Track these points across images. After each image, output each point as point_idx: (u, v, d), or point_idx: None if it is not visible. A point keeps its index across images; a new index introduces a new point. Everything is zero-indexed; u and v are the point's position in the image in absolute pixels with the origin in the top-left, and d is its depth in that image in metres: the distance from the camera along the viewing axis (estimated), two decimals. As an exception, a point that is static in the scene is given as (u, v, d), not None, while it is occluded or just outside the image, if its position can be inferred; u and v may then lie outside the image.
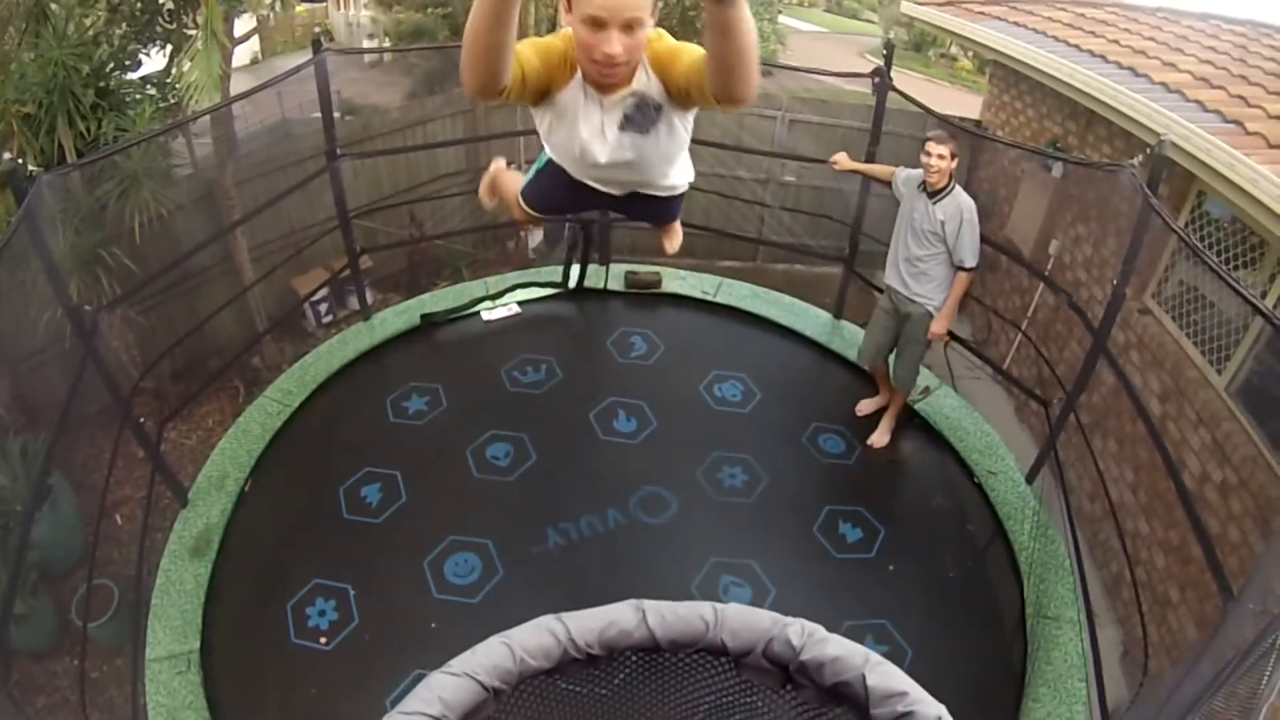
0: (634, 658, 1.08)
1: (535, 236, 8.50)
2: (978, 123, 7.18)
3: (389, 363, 4.27)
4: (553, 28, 7.60)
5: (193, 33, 5.22)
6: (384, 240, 6.80)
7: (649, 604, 1.06)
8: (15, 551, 3.29)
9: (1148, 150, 3.02)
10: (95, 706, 4.26)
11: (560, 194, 1.93)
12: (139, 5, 5.49)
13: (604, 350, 4.39)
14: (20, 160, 4.82)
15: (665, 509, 3.43)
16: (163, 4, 5.50)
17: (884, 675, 0.97)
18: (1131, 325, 4.92)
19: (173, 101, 5.45)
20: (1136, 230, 2.87)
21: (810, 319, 4.66)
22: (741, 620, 1.05)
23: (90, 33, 5.04)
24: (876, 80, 4.06)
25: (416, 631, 2.93)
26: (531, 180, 2.10)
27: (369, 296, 5.09)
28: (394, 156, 7.37)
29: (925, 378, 4.02)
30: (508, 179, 2.40)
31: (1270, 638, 1.49)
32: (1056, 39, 5.85)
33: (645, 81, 1.58)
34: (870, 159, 4.10)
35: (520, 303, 4.65)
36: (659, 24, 1.55)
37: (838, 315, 4.68)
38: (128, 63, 5.43)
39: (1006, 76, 6.80)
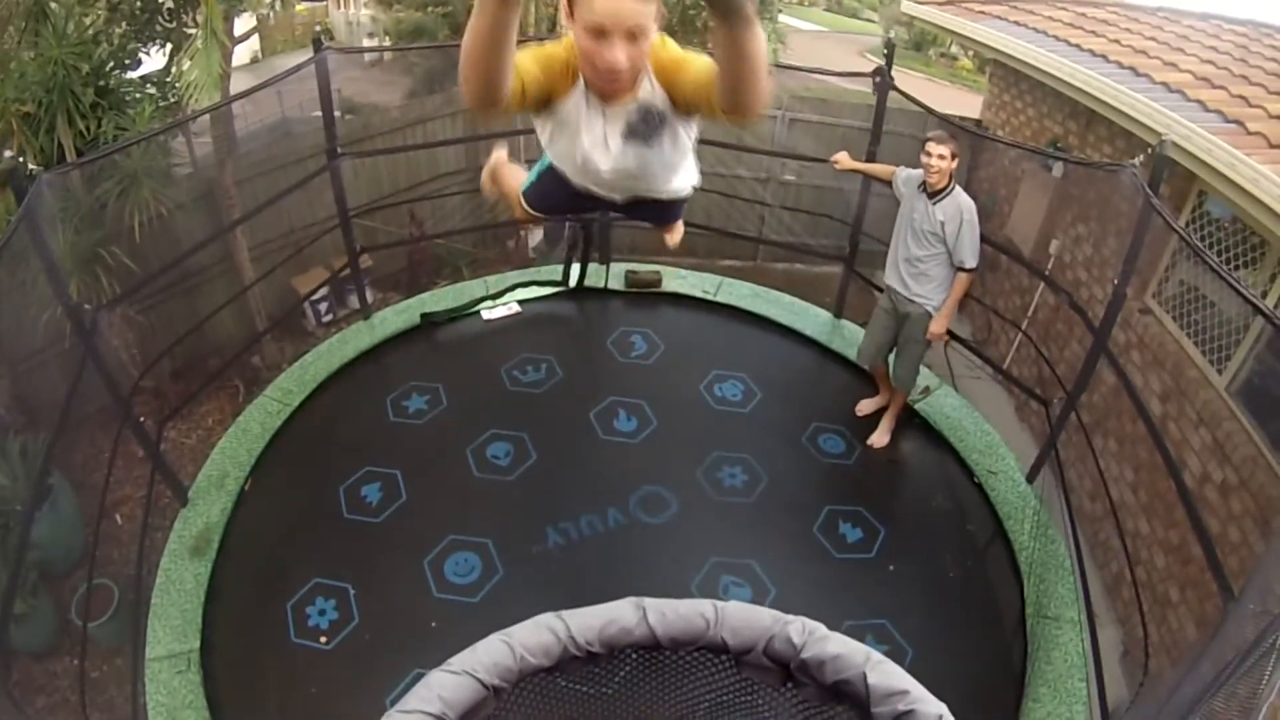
0: (634, 656, 1.08)
1: (535, 235, 8.50)
2: (978, 122, 7.18)
3: (389, 362, 4.27)
4: (553, 27, 7.60)
5: (192, 31, 5.22)
6: (384, 239, 6.80)
7: (649, 601, 1.06)
8: (15, 551, 3.29)
9: (1149, 150, 3.01)
10: (95, 706, 4.26)
11: (562, 196, 1.91)
12: (139, 4, 5.48)
13: (604, 349, 4.38)
14: (20, 159, 4.82)
15: (665, 508, 3.43)
16: (162, 3, 5.50)
17: (885, 673, 0.97)
18: (1132, 325, 4.92)
19: (172, 100, 5.45)
20: (1138, 230, 2.87)
21: (810, 318, 4.66)
22: (742, 618, 1.05)
23: (90, 31, 5.04)
24: (877, 80, 4.05)
25: (416, 631, 2.92)
26: (533, 182, 2.09)
27: (369, 295, 5.09)
28: (394, 155, 7.37)
29: (925, 377, 4.02)
30: (509, 173, 2.39)
31: (1270, 638, 1.49)
32: (1057, 38, 5.85)
33: (649, 90, 1.55)
34: (871, 158, 4.10)
35: (520, 302, 4.64)
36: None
37: (838, 314, 4.68)
38: (127, 61, 5.43)
39: (1007, 76, 6.79)
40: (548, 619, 1.04)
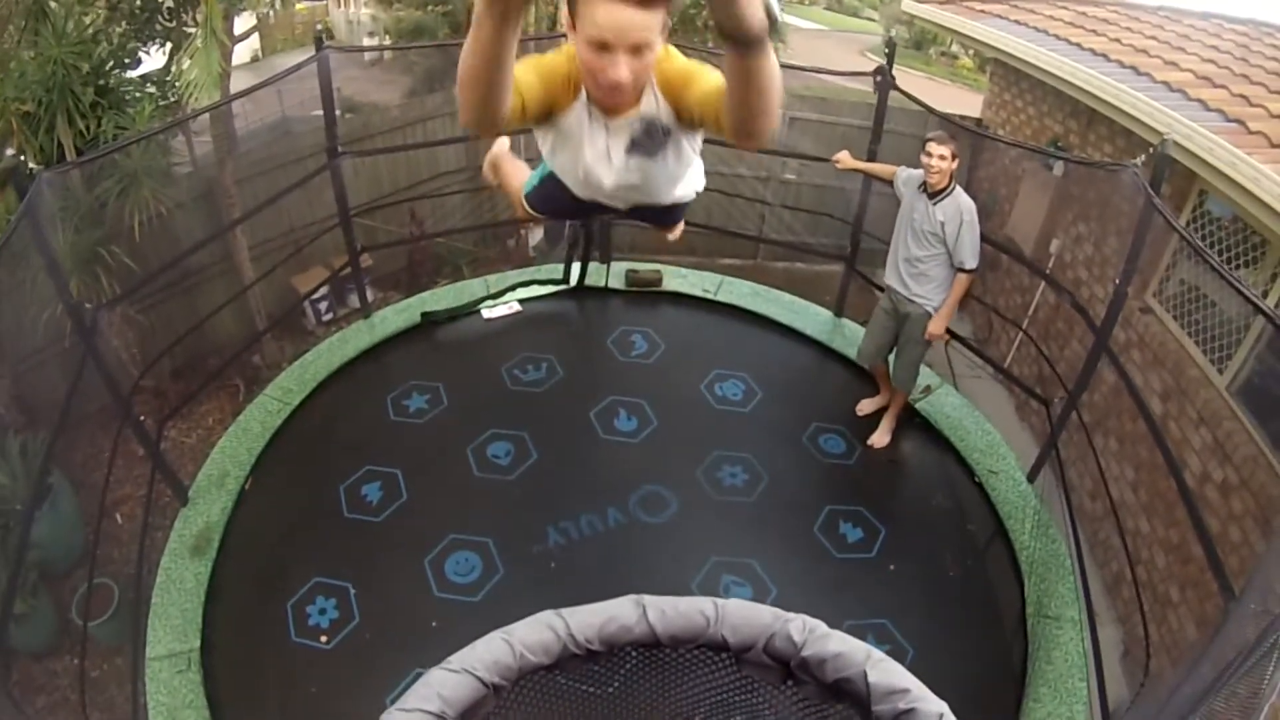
0: (634, 653, 1.07)
1: (536, 234, 8.50)
2: (979, 121, 7.17)
3: (389, 361, 4.26)
4: (553, 26, 7.58)
5: (192, 30, 5.22)
6: (384, 238, 6.78)
7: (649, 599, 1.05)
8: (15, 551, 3.29)
9: (1150, 150, 3.01)
10: (95, 705, 4.26)
11: (565, 201, 1.88)
12: (138, 3, 5.48)
13: (605, 349, 4.38)
14: (21, 158, 4.82)
15: (666, 508, 3.43)
16: (162, 2, 5.50)
17: (886, 672, 0.97)
18: (1133, 324, 4.92)
19: (172, 99, 5.44)
20: (1139, 229, 2.87)
21: (811, 317, 4.66)
22: (742, 616, 1.04)
23: (90, 31, 5.04)
24: (879, 79, 4.05)
25: (417, 630, 2.92)
26: (536, 186, 2.08)
27: (369, 294, 5.09)
28: (394, 154, 7.36)
29: (926, 376, 4.01)
30: (511, 166, 2.38)
31: (1271, 638, 1.49)
32: (1058, 37, 5.84)
33: (653, 104, 1.49)
34: (872, 157, 4.10)
35: (521, 301, 4.64)
36: None
37: (839, 313, 4.68)
38: (127, 61, 5.43)
39: (1007, 75, 6.79)
40: (547, 617, 1.04)
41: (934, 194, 3.41)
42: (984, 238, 3.49)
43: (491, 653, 0.99)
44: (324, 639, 2.92)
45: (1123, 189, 4.35)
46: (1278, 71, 4.83)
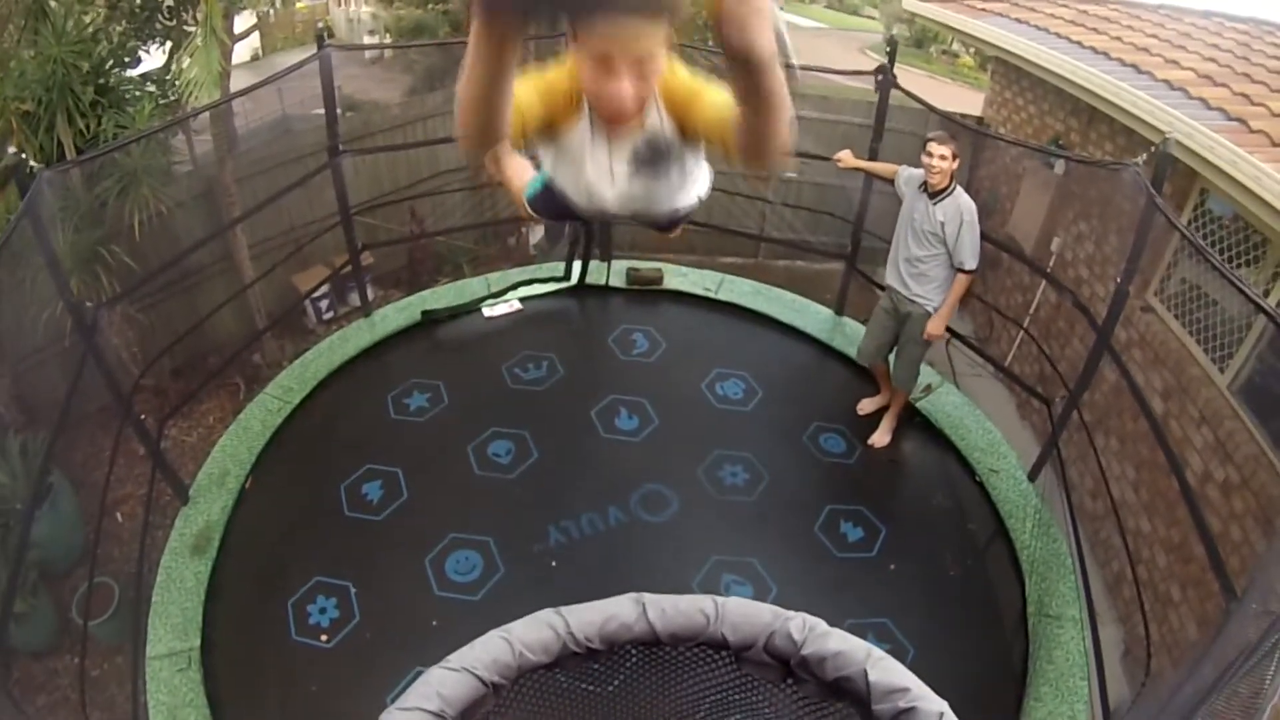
0: (634, 652, 1.07)
1: (536, 233, 8.50)
2: (980, 119, 7.16)
3: (390, 359, 4.26)
4: (553, 24, 7.56)
5: (192, 29, 5.22)
6: (384, 237, 6.78)
7: (649, 597, 1.05)
8: (15, 550, 3.29)
9: (1152, 148, 3.00)
10: (95, 705, 4.26)
11: (566, 207, 1.87)
12: (138, 2, 5.48)
13: (605, 347, 4.38)
14: (22, 156, 4.82)
15: (666, 507, 3.42)
16: (162, 1, 5.50)
17: (886, 670, 0.97)
18: (1134, 323, 4.91)
19: (172, 98, 5.45)
20: (1140, 228, 2.86)
21: (812, 316, 4.65)
22: (742, 614, 1.04)
23: (89, 30, 5.04)
24: (880, 78, 4.04)
25: (417, 629, 2.92)
26: (538, 191, 2.07)
27: (370, 293, 5.09)
28: (394, 153, 7.36)
29: (927, 375, 4.01)
30: (513, 163, 2.37)
31: (1273, 638, 1.49)
32: (1059, 36, 5.84)
33: (656, 120, 1.45)
34: (873, 156, 4.09)
35: (522, 299, 4.64)
36: None
37: (839, 312, 4.67)
38: (127, 60, 5.43)
39: (1008, 73, 6.78)
40: (547, 615, 1.04)
41: (934, 194, 3.40)
42: (985, 236, 3.49)
43: (491, 651, 0.98)
44: (324, 638, 2.92)
45: (1124, 188, 4.34)
46: (1279, 70, 4.82)
